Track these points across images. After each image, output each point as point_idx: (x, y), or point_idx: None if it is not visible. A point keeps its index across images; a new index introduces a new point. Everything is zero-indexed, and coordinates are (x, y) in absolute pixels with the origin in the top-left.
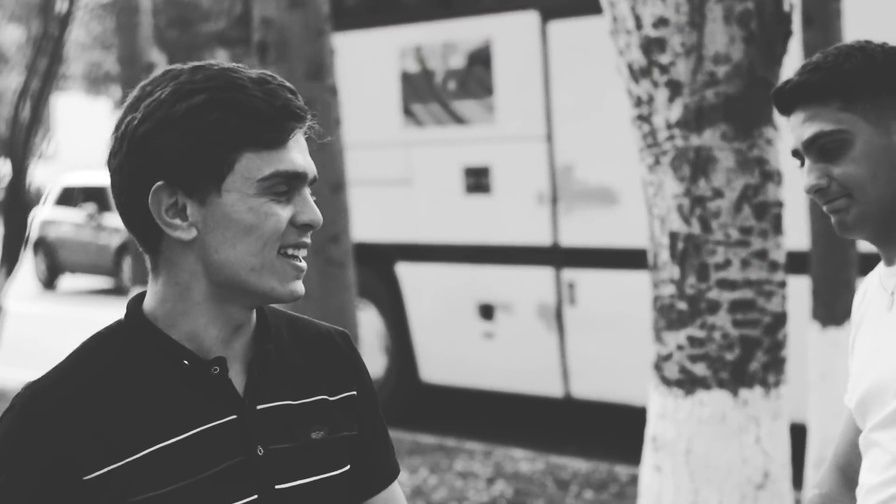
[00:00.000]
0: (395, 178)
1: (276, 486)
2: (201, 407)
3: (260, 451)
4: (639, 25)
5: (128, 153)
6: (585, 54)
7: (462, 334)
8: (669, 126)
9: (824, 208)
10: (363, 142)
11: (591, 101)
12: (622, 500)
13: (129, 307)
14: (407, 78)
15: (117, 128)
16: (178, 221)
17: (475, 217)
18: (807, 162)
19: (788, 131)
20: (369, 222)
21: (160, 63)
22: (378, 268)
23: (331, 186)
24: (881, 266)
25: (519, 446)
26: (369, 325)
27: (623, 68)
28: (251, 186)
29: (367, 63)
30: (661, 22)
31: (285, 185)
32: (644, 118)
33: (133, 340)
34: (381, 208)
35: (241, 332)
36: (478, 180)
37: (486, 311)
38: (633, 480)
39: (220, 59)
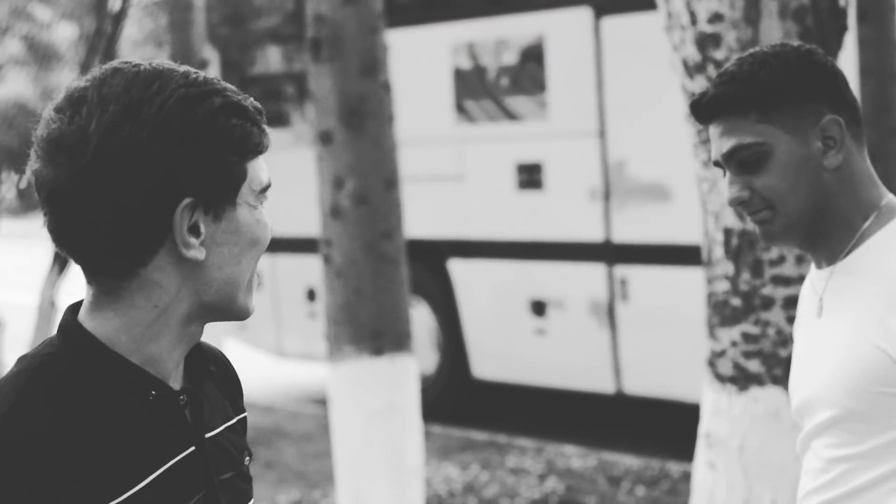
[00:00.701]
0: (447, 174)
1: None
2: (165, 440)
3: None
4: (693, 21)
5: (137, 168)
6: (639, 50)
7: (514, 331)
8: None
9: (749, 219)
10: (416, 138)
11: (644, 97)
12: (674, 496)
13: (69, 330)
14: (460, 74)
15: (105, 138)
16: (193, 240)
17: (527, 213)
18: (728, 173)
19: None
20: (422, 219)
21: (213, 59)
22: (430, 264)
23: (384, 183)
24: (813, 268)
25: (571, 443)
26: (421, 322)
27: (677, 64)
28: (254, 197)
29: (420, 60)
30: (716, 17)
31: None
32: None
33: (86, 367)
34: (433, 205)
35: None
36: (530, 176)
37: (539, 308)
38: (686, 477)
39: (273, 56)
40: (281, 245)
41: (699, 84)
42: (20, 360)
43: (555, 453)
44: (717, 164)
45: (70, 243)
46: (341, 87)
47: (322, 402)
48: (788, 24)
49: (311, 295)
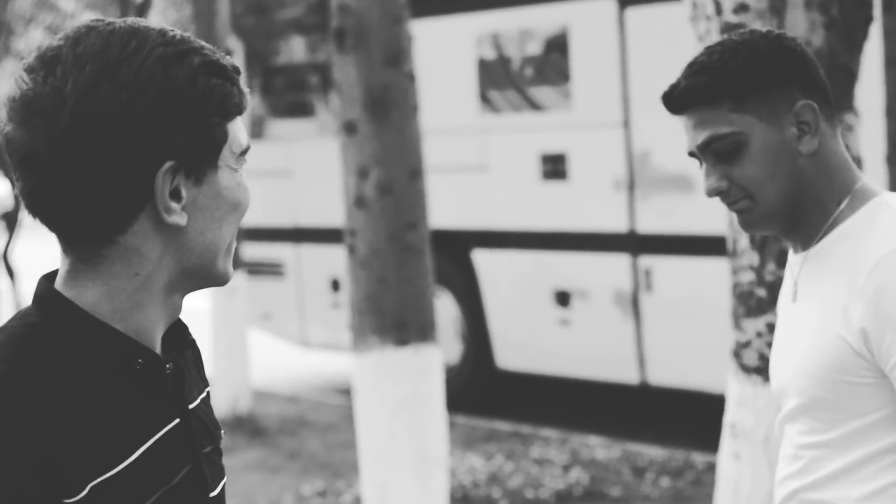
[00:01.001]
0: (471, 164)
1: (211, 495)
2: (152, 411)
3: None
4: (719, 11)
5: (117, 131)
6: (663, 41)
7: (538, 321)
8: None
9: (728, 208)
10: (440, 128)
11: None
12: (699, 487)
13: (48, 299)
14: (484, 65)
15: (83, 100)
16: (175, 205)
17: (552, 204)
18: (705, 164)
19: (683, 130)
20: (446, 209)
21: (237, 50)
22: (454, 254)
23: (409, 173)
24: (791, 252)
25: (595, 433)
26: (445, 312)
27: None
28: (235, 160)
29: (445, 50)
30: (741, 8)
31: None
32: None
33: (70, 336)
34: (457, 195)
35: None
36: (554, 167)
37: (563, 298)
38: (710, 468)
39: (297, 46)
40: (305, 235)
41: None
42: None
43: (579, 444)
44: (692, 154)
45: (45, 209)
46: (366, 77)
47: (346, 392)
48: (814, 15)
49: (336, 285)
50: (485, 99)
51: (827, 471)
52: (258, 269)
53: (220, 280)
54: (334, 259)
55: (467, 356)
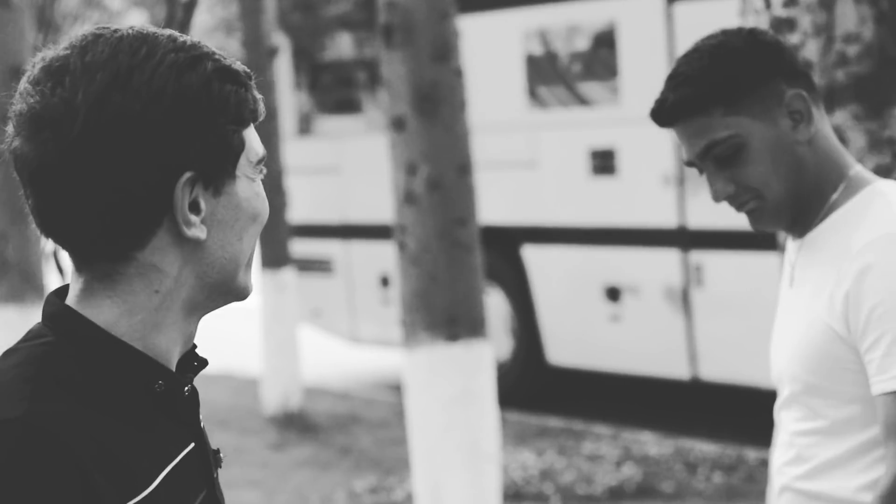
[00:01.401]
0: (520, 160)
1: None
2: (169, 435)
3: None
4: (768, 6)
5: (132, 142)
6: None
7: (588, 317)
8: None
9: (737, 210)
10: (489, 124)
11: None
12: (751, 483)
13: (62, 317)
14: (532, 60)
15: (94, 110)
16: (194, 218)
17: (601, 199)
18: (706, 171)
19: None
20: (495, 205)
21: (284, 46)
22: (504, 250)
23: (457, 169)
24: (789, 239)
25: (647, 429)
26: (496, 308)
27: None
28: (252, 169)
29: (492, 45)
30: (791, 2)
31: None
32: None
33: (88, 356)
34: (506, 191)
35: None
36: (603, 162)
37: (613, 294)
38: (763, 463)
39: (344, 42)
40: (354, 231)
41: None
42: (9, 353)
43: (631, 440)
44: (689, 164)
45: (58, 227)
46: (413, 73)
47: (397, 388)
48: (863, 8)
49: (385, 281)
50: (533, 94)
51: (820, 459)
52: (308, 265)
53: (240, 295)
54: (384, 255)
55: (518, 352)
